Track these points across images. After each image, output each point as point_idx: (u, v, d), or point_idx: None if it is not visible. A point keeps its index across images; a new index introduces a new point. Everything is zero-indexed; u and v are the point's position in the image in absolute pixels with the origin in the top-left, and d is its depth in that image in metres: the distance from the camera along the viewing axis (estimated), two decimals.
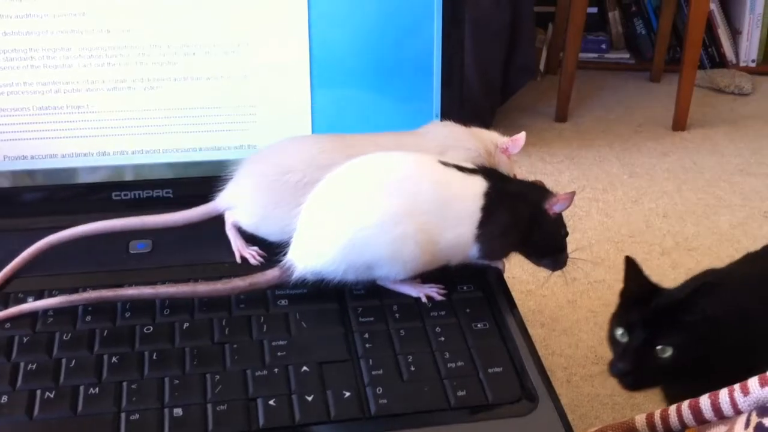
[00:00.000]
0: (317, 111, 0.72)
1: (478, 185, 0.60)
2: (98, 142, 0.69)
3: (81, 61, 0.67)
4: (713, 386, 0.59)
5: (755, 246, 1.38)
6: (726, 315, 0.82)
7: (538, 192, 0.62)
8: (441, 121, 0.72)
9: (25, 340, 0.55)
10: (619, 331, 0.82)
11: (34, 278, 0.61)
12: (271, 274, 0.60)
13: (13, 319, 0.57)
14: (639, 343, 0.80)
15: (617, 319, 0.84)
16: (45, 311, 0.58)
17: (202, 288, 0.59)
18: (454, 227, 0.59)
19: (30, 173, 0.68)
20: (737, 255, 1.40)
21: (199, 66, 0.68)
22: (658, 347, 0.79)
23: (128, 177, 0.70)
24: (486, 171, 0.62)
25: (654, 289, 0.85)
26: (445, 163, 0.60)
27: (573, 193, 0.61)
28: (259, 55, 0.69)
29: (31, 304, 0.58)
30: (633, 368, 0.79)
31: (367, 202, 0.58)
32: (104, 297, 0.58)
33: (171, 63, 0.68)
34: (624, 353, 0.80)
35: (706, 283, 0.82)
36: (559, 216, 0.62)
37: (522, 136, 0.69)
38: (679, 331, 0.80)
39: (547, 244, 0.63)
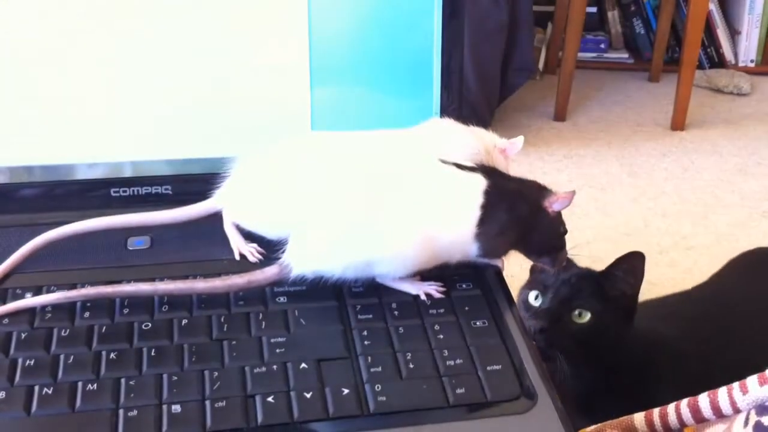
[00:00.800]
0: (317, 109, 0.71)
1: (477, 183, 0.59)
2: (96, 140, 0.68)
3: (80, 58, 0.66)
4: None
5: (753, 246, 1.38)
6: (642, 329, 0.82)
7: (537, 190, 0.62)
8: (440, 118, 0.72)
9: (23, 336, 0.55)
10: (533, 294, 0.81)
11: (32, 274, 0.61)
12: (270, 272, 0.60)
13: (11, 315, 0.57)
14: (555, 304, 0.78)
15: (529, 284, 0.82)
16: (43, 307, 0.57)
17: (200, 285, 0.59)
18: (453, 225, 0.59)
19: (28, 169, 0.68)
20: (735, 254, 1.40)
21: (198, 63, 0.68)
22: (575, 311, 0.77)
23: (127, 173, 0.70)
24: (485, 169, 0.61)
25: (569, 262, 0.84)
26: (444, 162, 0.60)
27: (573, 192, 0.61)
28: (259, 52, 0.69)
29: (28, 300, 0.57)
30: (548, 327, 0.77)
31: (366, 201, 0.58)
32: (102, 293, 0.58)
33: (170, 60, 0.68)
34: (538, 314, 0.78)
35: (627, 256, 0.81)
36: (559, 214, 0.62)
37: (520, 139, 0.69)
38: (597, 300, 0.79)
39: (547, 242, 0.63)
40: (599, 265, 1.35)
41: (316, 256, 0.58)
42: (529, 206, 0.61)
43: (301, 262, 0.59)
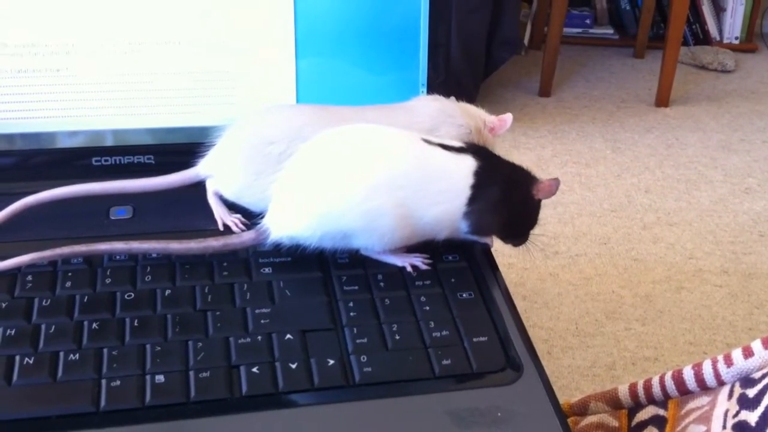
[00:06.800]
0: (302, 80, 0.70)
1: (467, 164, 0.59)
2: (78, 107, 0.67)
3: (62, 25, 0.65)
4: None
5: (736, 221, 1.39)
6: None
7: (527, 175, 0.62)
8: (429, 95, 0.71)
9: (3, 305, 0.54)
10: None
11: (11, 244, 0.60)
12: (246, 236, 0.59)
13: None
14: None
15: None
16: (24, 276, 0.57)
17: (176, 246, 0.58)
18: (439, 204, 0.58)
19: (8, 137, 0.67)
20: (718, 230, 1.41)
21: (182, 31, 0.67)
22: None
23: (109, 142, 0.69)
24: (475, 149, 0.61)
25: None
26: (428, 141, 0.59)
27: (558, 182, 0.60)
28: (243, 20, 0.68)
29: (1, 264, 0.57)
30: None
31: (343, 172, 0.57)
32: (76, 252, 0.57)
33: (153, 27, 0.67)
34: None
35: None
36: (539, 201, 0.62)
37: (509, 117, 0.68)
38: None
39: (526, 225, 0.63)
40: (583, 240, 1.36)
41: (292, 221, 0.58)
42: (522, 190, 0.61)
43: (278, 226, 0.58)
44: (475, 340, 0.54)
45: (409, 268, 0.60)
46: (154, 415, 0.49)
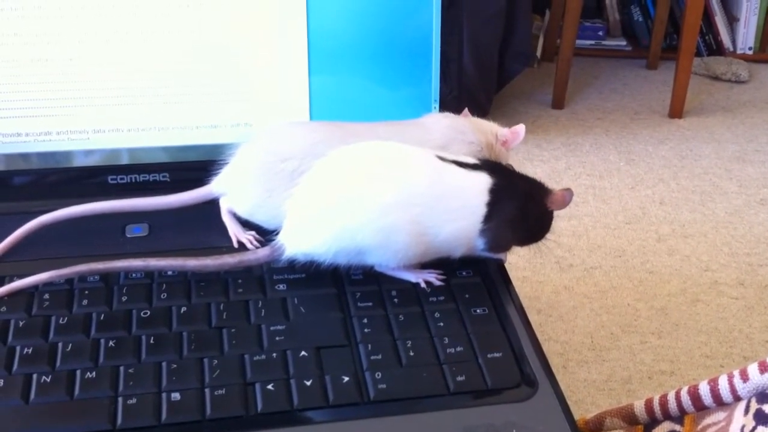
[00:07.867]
0: (315, 96, 0.71)
1: (481, 181, 0.59)
2: (93, 126, 0.68)
3: (74, 35, 0.66)
4: None
5: (751, 233, 1.38)
6: None
7: (541, 188, 0.62)
8: (441, 111, 0.71)
9: (20, 324, 0.55)
10: None
11: (28, 262, 0.61)
12: (261, 253, 0.60)
13: (8, 302, 0.57)
14: None
15: None
16: (41, 295, 0.57)
17: (192, 263, 0.59)
18: (454, 221, 0.58)
19: (24, 156, 0.68)
20: (733, 242, 1.41)
21: (197, 50, 0.68)
22: None
23: (124, 161, 0.69)
24: (489, 166, 0.61)
25: None
26: (442, 158, 0.60)
27: (571, 193, 0.61)
28: (256, 39, 0.69)
29: (19, 282, 0.57)
30: None
31: (357, 189, 0.57)
32: (94, 269, 0.58)
33: (168, 47, 0.67)
34: None
35: None
36: (552, 212, 0.62)
37: (521, 128, 0.68)
38: None
39: (540, 235, 0.63)
40: (598, 252, 1.35)
41: (306, 238, 0.58)
42: (536, 204, 0.61)
43: (292, 243, 0.59)
44: (489, 356, 0.54)
45: (422, 284, 0.60)
46: None
